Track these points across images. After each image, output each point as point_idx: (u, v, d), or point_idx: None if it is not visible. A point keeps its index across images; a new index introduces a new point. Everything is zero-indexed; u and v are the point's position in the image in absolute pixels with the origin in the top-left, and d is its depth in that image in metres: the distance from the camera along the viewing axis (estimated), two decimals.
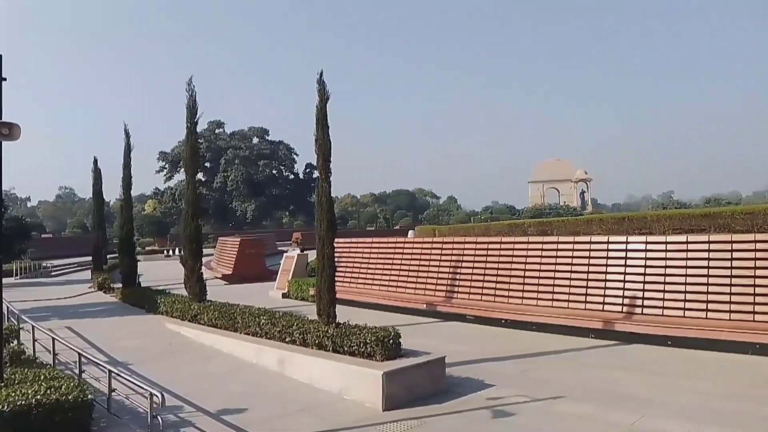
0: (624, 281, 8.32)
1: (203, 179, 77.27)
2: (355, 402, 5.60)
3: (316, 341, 6.59)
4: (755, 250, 7.32)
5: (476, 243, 10.70)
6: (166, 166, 75.61)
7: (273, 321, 7.50)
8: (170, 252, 37.43)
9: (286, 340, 7.11)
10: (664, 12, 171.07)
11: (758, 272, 7.16)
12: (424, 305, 10.41)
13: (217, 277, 19.73)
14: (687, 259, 7.78)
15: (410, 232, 33.66)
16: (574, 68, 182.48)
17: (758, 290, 7.10)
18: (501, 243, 10.26)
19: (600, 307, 8.37)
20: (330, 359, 6.19)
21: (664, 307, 7.76)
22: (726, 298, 7.28)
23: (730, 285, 7.29)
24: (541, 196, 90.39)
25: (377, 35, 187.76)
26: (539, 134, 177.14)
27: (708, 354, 6.94)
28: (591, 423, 4.84)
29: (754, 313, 7.04)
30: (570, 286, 8.82)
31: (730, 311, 7.19)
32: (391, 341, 5.92)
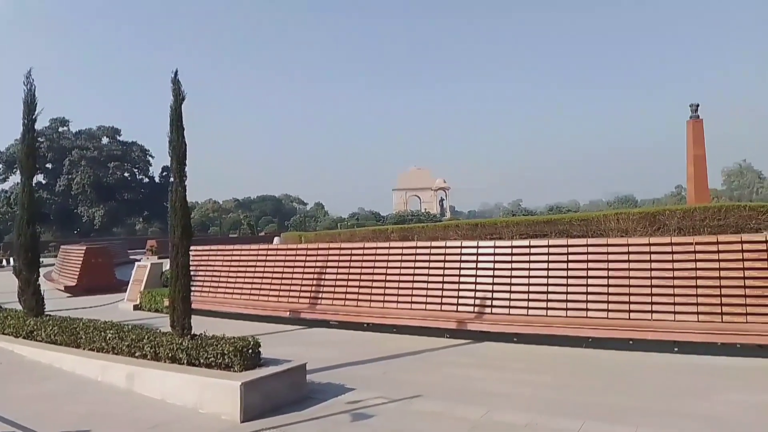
0: (475, 283, 8.84)
1: (43, 182, 70.29)
2: (211, 415, 5.38)
3: (170, 354, 6.24)
4: (587, 253, 8.16)
5: (340, 249, 10.80)
6: (0, 167, 67.93)
7: (121, 335, 6.97)
8: (3, 262, 33.91)
9: (136, 354, 6.65)
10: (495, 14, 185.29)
11: (590, 273, 7.98)
12: (288, 313, 10.30)
13: (59, 289, 17.99)
14: (530, 261, 8.47)
15: (276, 239, 33.17)
16: (436, 80, 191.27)
17: (590, 289, 7.90)
18: (364, 249, 10.45)
19: (454, 308, 8.82)
20: (184, 373, 5.90)
21: (510, 307, 8.37)
22: (563, 297, 8.03)
23: (566, 285, 8.05)
24: (404, 203, 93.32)
25: (244, 36, 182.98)
26: (405, 143, 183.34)
27: (548, 349, 7.60)
28: (443, 419, 5.08)
29: (587, 310, 7.83)
30: (427, 289, 9.20)
31: (567, 309, 7.94)
32: (250, 351, 5.77)
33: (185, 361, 6.07)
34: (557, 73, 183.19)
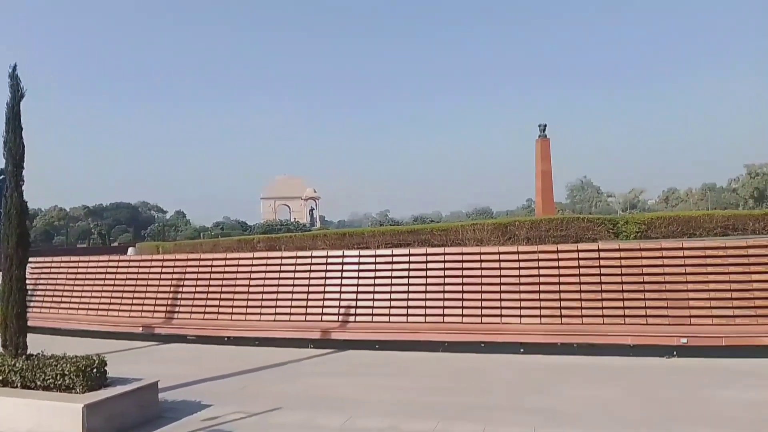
0: (340, 292, 8.93)
1: None
2: None
3: (1, 378, 5.58)
4: (444, 261, 8.59)
5: (200, 260, 10.36)
6: None
7: None
8: None
9: None
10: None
11: (446, 280, 8.41)
12: (141, 328, 9.66)
13: None
14: (392, 270, 8.74)
15: (130, 250, 31.06)
16: (307, 88, 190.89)
17: (446, 296, 8.33)
18: (226, 259, 10.13)
19: (319, 318, 8.84)
20: (19, 396, 5.30)
21: (373, 315, 8.57)
22: (422, 303, 8.38)
23: (425, 292, 8.42)
24: (273, 212, 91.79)
25: (94, 31, 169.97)
26: (274, 151, 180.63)
27: (408, 354, 7.87)
28: (304, 429, 5.06)
29: (443, 315, 8.23)
30: (292, 300, 9.13)
31: (425, 315, 8.29)
32: (94, 370, 5.33)
33: (19, 384, 5.46)
34: (419, 90, 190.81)
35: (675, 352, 7.07)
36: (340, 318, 8.72)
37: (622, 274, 7.81)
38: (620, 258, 7.92)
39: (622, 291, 7.72)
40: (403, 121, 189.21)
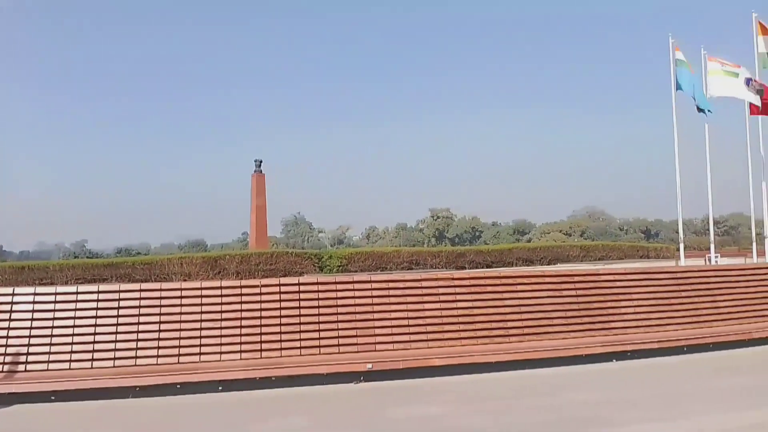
0: (8, 337, 7.55)
1: None
2: None
3: None
4: (140, 298, 7.95)
5: None
6: None
7: None
8: None
9: None
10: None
11: (142, 319, 7.78)
12: None
13: None
14: (76, 309, 7.74)
15: None
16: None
17: (141, 336, 7.69)
18: None
19: None
20: None
21: (49, 361, 7.42)
22: (112, 345, 7.58)
23: (116, 333, 7.64)
24: None
25: None
26: None
27: (90, 404, 6.98)
28: None
29: (136, 357, 7.57)
30: None
31: (115, 358, 7.51)
32: None
33: None
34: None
35: (362, 377, 7.74)
36: (7, 368, 7.35)
37: (319, 306, 8.29)
38: (318, 291, 8.40)
39: (319, 323, 8.18)
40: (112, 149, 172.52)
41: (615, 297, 9.67)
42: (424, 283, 8.86)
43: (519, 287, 9.21)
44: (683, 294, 10.09)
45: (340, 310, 8.33)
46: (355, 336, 8.25)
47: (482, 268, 26.43)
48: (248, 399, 7.12)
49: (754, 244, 19.60)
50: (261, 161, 31.33)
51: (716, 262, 20.56)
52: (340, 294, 8.45)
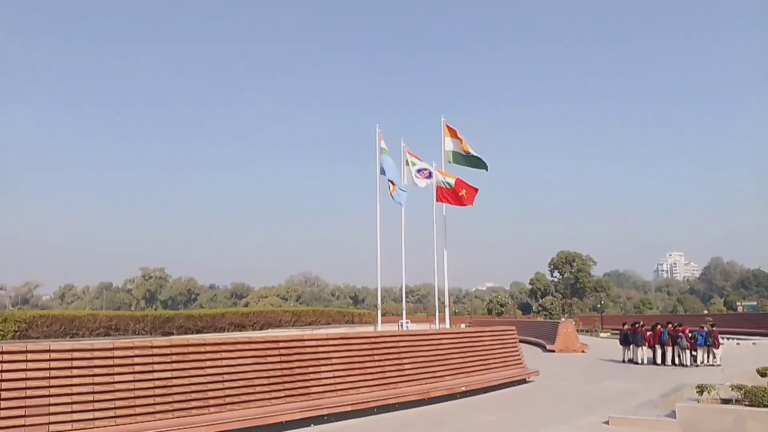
0: None
1: None
2: None
3: None
4: None
5: None
6: None
7: None
8: None
9: None
10: None
11: None
12: None
13: None
14: None
15: None
16: None
17: None
18: None
19: None
20: None
21: None
22: None
23: None
24: None
25: None
26: None
27: None
28: None
29: None
30: None
31: None
32: None
33: None
34: None
35: None
36: None
37: None
38: None
39: None
40: None
41: (316, 362, 10.11)
42: (117, 352, 8.02)
43: (223, 354, 8.98)
44: (376, 358, 11.07)
45: (3, 386, 6.96)
46: (23, 416, 6.95)
47: (192, 333, 25.04)
48: None
49: (436, 311, 22.76)
50: None
51: (407, 327, 23.21)
52: (5, 367, 7.08)
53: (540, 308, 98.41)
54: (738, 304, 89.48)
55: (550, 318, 67.70)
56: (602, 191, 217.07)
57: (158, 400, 8.05)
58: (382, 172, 20.16)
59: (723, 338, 21.83)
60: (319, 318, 43.94)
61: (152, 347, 8.45)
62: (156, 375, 8.14)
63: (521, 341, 23.63)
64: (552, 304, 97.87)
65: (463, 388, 12.24)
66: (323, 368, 10.12)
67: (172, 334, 23.31)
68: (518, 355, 15.52)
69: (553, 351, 25.26)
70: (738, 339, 29.43)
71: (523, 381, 14.59)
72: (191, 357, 8.61)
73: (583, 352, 25.23)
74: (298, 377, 9.74)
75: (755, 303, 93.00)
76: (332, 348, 10.47)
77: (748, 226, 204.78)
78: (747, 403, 8.31)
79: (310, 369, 9.97)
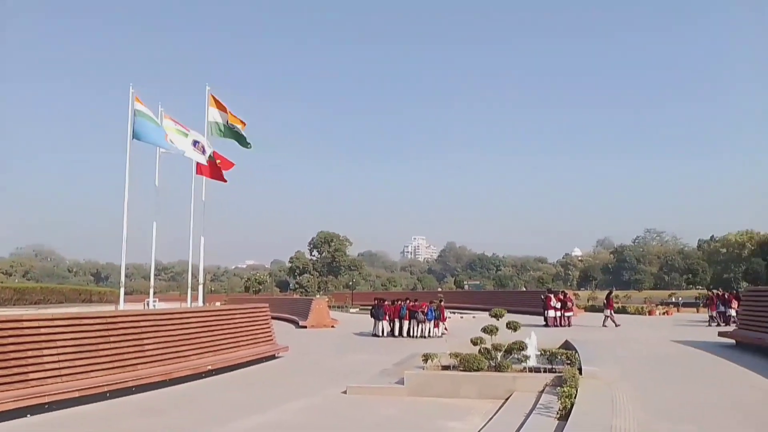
0: None
1: None
2: None
3: None
4: None
5: None
6: None
7: None
8: None
9: None
10: None
11: None
12: None
13: None
14: None
15: None
16: None
17: None
18: None
19: None
20: None
21: None
22: None
23: None
24: None
25: None
26: None
27: None
28: None
29: None
30: None
31: None
32: None
33: None
34: None
35: None
36: None
37: None
38: None
39: None
40: None
41: (38, 345, 8.86)
42: None
43: None
44: (111, 339, 10.12)
45: None
46: None
47: None
48: None
49: (189, 290, 21.68)
50: None
51: (154, 306, 21.74)
52: None
53: (297, 286, 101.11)
54: (465, 282, 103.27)
55: (306, 295, 69.96)
56: (356, 180, 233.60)
57: None
58: (136, 136, 18.32)
59: (449, 313, 25.01)
60: (48, 296, 38.77)
61: None
62: None
63: (276, 318, 24.04)
64: (309, 281, 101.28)
65: (209, 367, 11.91)
66: (46, 352, 8.92)
67: None
68: (269, 331, 15.66)
69: (305, 327, 26.11)
70: (463, 313, 34.03)
71: (273, 357, 14.79)
72: None
73: (333, 327, 26.57)
74: (15, 363, 8.44)
75: (478, 282, 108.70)
76: (58, 330, 9.27)
77: (477, 216, 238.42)
78: (462, 368, 9.61)
79: (30, 353, 8.71)
